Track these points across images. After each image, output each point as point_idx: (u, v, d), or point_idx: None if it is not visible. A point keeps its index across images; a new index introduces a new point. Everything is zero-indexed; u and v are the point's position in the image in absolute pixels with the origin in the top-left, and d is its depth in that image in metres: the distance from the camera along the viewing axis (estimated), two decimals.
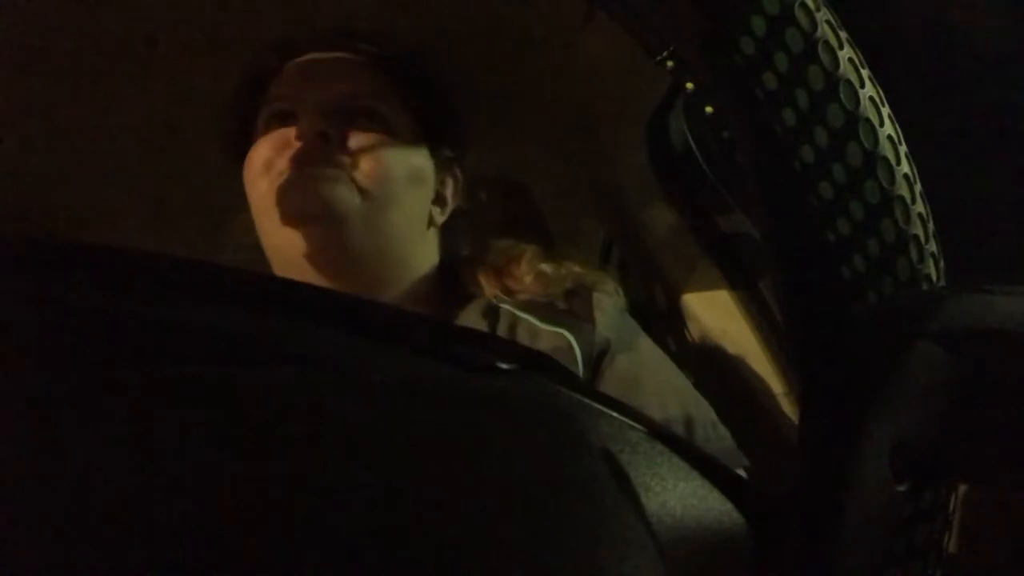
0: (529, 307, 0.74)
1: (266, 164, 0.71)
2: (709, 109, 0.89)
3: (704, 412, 0.71)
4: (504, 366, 0.31)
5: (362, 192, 0.69)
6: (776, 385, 0.88)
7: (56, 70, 0.79)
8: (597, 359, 0.71)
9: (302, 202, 0.68)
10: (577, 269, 0.79)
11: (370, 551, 0.24)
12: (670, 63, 0.80)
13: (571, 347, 0.70)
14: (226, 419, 0.25)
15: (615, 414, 0.32)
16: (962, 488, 0.37)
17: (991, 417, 0.31)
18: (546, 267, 0.77)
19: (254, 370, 0.26)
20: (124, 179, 0.90)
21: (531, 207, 1.02)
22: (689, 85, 0.85)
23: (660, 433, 0.33)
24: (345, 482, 0.25)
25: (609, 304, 0.75)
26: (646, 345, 0.76)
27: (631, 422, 0.32)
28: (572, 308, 0.74)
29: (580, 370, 0.69)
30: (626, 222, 1.02)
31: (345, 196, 0.68)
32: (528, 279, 0.76)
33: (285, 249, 0.70)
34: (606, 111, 0.94)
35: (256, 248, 0.75)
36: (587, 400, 0.32)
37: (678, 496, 0.31)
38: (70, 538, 0.22)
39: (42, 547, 0.22)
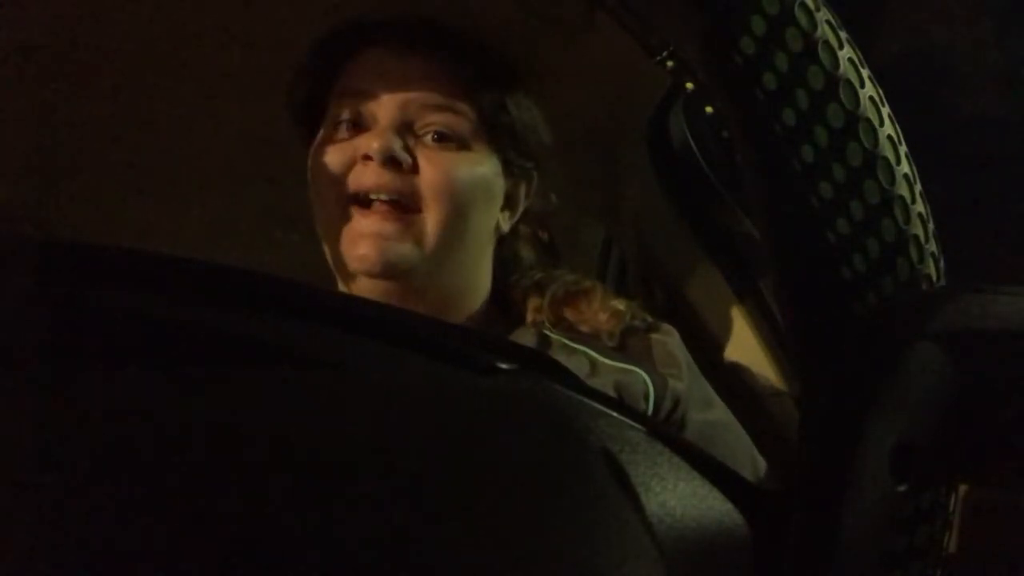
0: (583, 340, 0.72)
1: (333, 183, 0.69)
2: (709, 109, 0.89)
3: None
4: (504, 366, 0.31)
5: (426, 242, 0.68)
6: (776, 385, 0.88)
7: (74, 68, 0.78)
8: (670, 409, 0.69)
9: (368, 263, 0.67)
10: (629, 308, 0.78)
11: (370, 550, 0.24)
12: (670, 63, 0.80)
13: (646, 387, 0.68)
14: (228, 421, 0.25)
15: (615, 414, 0.32)
16: (962, 488, 0.37)
17: (991, 417, 0.31)
18: (619, 304, 0.76)
19: (254, 370, 0.26)
20: (147, 179, 0.89)
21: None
22: (689, 85, 0.85)
23: (660, 433, 0.33)
24: (345, 481, 0.25)
25: (678, 350, 0.74)
26: (716, 401, 0.75)
27: (631, 422, 0.32)
28: (627, 345, 0.73)
29: (649, 411, 0.67)
30: (626, 222, 1.02)
31: (409, 255, 0.68)
32: (603, 316, 0.74)
33: (350, 278, 0.71)
34: (606, 111, 0.94)
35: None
36: (587, 400, 0.32)
37: (678, 496, 0.31)
38: (69, 538, 0.22)
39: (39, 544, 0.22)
